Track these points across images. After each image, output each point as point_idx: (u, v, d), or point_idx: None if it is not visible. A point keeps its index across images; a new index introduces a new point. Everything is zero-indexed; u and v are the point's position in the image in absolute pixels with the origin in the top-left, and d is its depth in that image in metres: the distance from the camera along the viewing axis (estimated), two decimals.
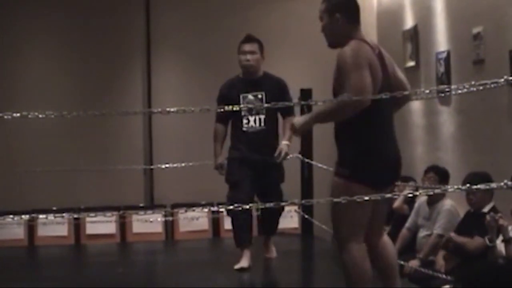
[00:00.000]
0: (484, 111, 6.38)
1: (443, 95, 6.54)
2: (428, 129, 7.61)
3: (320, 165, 7.56)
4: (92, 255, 8.24)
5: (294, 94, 7.05)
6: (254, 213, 7.02)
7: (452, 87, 5.02)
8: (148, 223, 8.56)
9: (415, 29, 7.78)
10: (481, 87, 3.91)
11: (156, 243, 8.57)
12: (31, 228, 8.65)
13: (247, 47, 6.14)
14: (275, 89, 6.15)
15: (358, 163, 4.07)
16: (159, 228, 8.85)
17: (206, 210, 8.33)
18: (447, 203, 6.42)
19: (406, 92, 4.22)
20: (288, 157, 6.16)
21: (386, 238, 4.39)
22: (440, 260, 5.98)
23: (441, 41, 7.19)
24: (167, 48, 9.37)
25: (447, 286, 5.41)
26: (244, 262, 6.09)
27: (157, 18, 9.33)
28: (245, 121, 6.10)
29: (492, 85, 3.78)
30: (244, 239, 6.15)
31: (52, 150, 9.02)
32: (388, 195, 4.05)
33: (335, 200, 3.99)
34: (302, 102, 5.03)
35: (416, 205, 6.76)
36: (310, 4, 9.60)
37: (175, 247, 8.64)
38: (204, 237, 8.75)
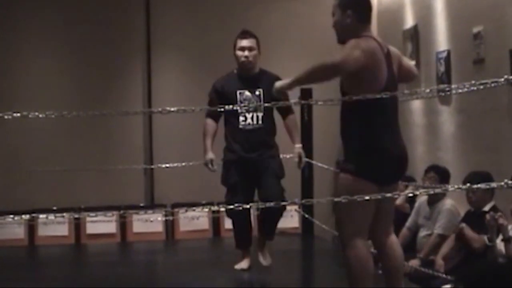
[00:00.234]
0: (484, 111, 6.37)
1: (443, 94, 6.55)
2: (429, 129, 7.61)
3: (320, 164, 7.57)
4: (92, 255, 8.24)
5: (295, 94, 7.04)
6: (255, 213, 6.98)
7: (452, 86, 5.04)
8: (148, 223, 8.56)
9: (415, 28, 7.78)
10: (481, 87, 3.92)
11: (156, 243, 8.57)
12: (31, 227, 8.65)
13: (246, 42, 5.97)
14: (273, 86, 6.00)
15: (362, 159, 4.14)
16: (159, 228, 8.85)
17: (206, 209, 8.32)
18: (447, 202, 6.42)
19: (406, 91, 4.24)
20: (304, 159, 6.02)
21: (394, 239, 4.41)
22: (439, 260, 5.97)
23: (441, 41, 7.19)
24: (167, 48, 9.37)
25: (447, 286, 5.41)
26: (244, 264, 6.11)
27: (157, 18, 9.33)
28: (241, 118, 5.90)
29: (492, 85, 3.79)
30: (244, 242, 6.14)
31: (53, 150, 9.01)
32: (389, 195, 4.05)
33: (341, 197, 4.03)
34: (302, 102, 5.00)
35: (416, 204, 6.76)
36: (310, 4, 9.67)
37: (175, 246, 8.65)
38: (204, 236, 8.76)
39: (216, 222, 8.83)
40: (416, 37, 7.76)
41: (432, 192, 6.07)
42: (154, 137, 9.31)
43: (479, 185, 4.10)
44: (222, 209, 5.27)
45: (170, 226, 8.93)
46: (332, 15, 4.36)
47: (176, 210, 8.73)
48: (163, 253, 8.37)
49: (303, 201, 7.23)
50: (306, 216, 8.16)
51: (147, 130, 9.32)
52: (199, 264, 6.93)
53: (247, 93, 5.96)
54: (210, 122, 5.99)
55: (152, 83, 9.33)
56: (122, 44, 9.27)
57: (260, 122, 5.92)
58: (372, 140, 4.14)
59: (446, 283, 5.44)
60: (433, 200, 6.49)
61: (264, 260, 6.12)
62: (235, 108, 4.96)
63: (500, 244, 5.36)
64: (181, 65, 9.44)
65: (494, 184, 4.53)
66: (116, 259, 7.86)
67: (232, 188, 5.93)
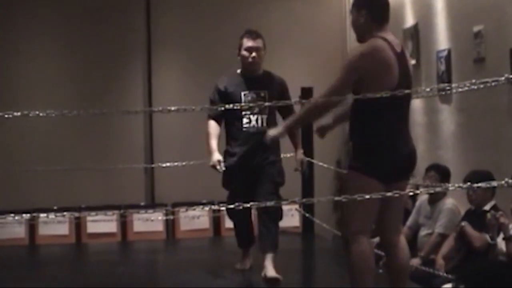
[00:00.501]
0: (484, 109, 6.37)
1: (443, 93, 6.54)
2: (429, 128, 7.60)
3: (320, 163, 7.57)
4: (93, 254, 8.24)
5: (295, 93, 7.04)
6: (255, 212, 6.93)
7: (453, 85, 5.04)
8: (149, 222, 8.56)
9: (415, 27, 7.77)
10: (481, 86, 3.93)
11: (157, 242, 8.57)
12: (32, 227, 8.65)
13: (253, 43, 5.74)
14: (277, 88, 5.81)
15: (370, 157, 4.19)
16: (160, 227, 8.85)
17: (207, 209, 8.33)
18: (448, 201, 6.42)
19: (408, 91, 4.24)
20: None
21: (403, 239, 4.44)
22: (439, 260, 5.97)
23: (442, 40, 7.19)
24: (167, 47, 9.38)
25: (449, 285, 5.41)
26: (245, 264, 6.05)
27: (157, 18, 9.34)
28: (245, 120, 5.67)
29: (493, 83, 3.79)
30: (245, 241, 6.08)
31: (53, 149, 9.02)
32: (389, 194, 4.06)
33: (342, 196, 4.10)
34: (303, 101, 4.98)
35: (417, 203, 6.75)
36: (311, 3, 9.67)
37: (176, 246, 8.65)
38: (205, 236, 8.75)
39: (216, 221, 8.83)
40: (416, 36, 7.75)
41: (432, 191, 6.07)
42: (154, 136, 9.31)
43: (479, 184, 4.11)
44: (223, 208, 5.20)
45: (170, 225, 8.93)
46: (350, 14, 4.45)
47: (176, 209, 8.73)
48: (164, 253, 8.37)
49: (303, 200, 7.23)
50: (307, 215, 8.16)
51: (148, 129, 9.33)
52: (200, 264, 6.92)
53: (252, 94, 5.73)
54: (213, 123, 5.73)
55: (153, 83, 9.34)
56: (123, 43, 9.27)
57: (264, 124, 5.66)
58: (381, 139, 4.19)
59: (447, 282, 5.44)
60: (434, 199, 6.49)
61: (269, 272, 5.55)
62: (236, 108, 4.85)
63: (501, 243, 5.36)
64: (182, 65, 9.45)
65: (494, 183, 4.54)
66: (116, 259, 7.86)
67: (233, 192, 5.78)
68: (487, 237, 5.51)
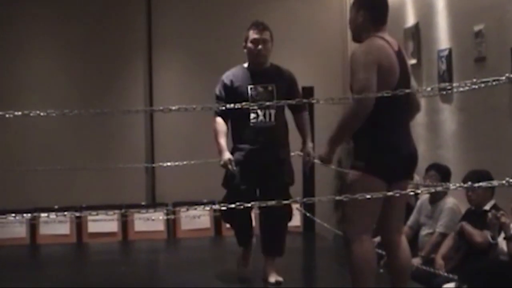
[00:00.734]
0: (485, 109, 6.37)
1: (444, 93, 6.54)
2: (430, 127, 7.60)
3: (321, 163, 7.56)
4: (94, 254, 8.24)
5: None
6: (256, 211, 6.92)
7: (454, 85, 5.04)
8: (150, 222, 8.56)
9: (416, 26, 7.77)
10: (482, 85, 3.92)
11: (157, 242, 8.58)
12: (33, 226, 8.66)
13: (260, 35, 5.46)
14: (286, 82, 5.54)
15: (372, 156, 4.19)
16: (161, 227, 8.85)
17: (208, 208, 8.33)
18: (449, 201, 6.42)
19: (408, 91, 4.24)
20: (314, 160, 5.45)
21: (404, 239, 4.44)
22: (439, 259, 5.97)
23: (443, 39, 7.19)
24: (168, 47, 9.38)
25: (449, 285, 5.40)
26: (246, 263, 5.91)
27: (158, 17, 9.34)
28: (253, 115, 5.40)
29: (494, 83, 3.79)
30: (245, 240, 5.82)
31: (54, 149, 9.02)
32: (391, 193, 4.06)
33: (343, 195, 4.09)
34: (304, 100, 4.95)
35: (418, 203, 6.75)
36: (311, 3, 9.67)
37: (176, 245, 8.65)
38: (206, 235, 8.75)
39: (217, 221, 8.82)
40: (417, 35, 7.75)
41: (433, 190, 6.07)
42: (155, 135, 9.31)
43: (480, 184, 4.10)
44: (224, 208, 5.17)
45: (171, 225, 8.94)
46: (349, 13, 4.44)
47: (177, 209, 8.74)
48: (165, 252, 8.37)
49: (304, 199, 7.22)
50: (308, 214, 8.16)
51: (149, 128, 9.33)
52: (201, 263, 6.93)
53: (259, 88, 5.47)
54: (220, 120, 5.47)
55: (154, 82, 9.34)
56: (123, 43, 9.27)
57: (273, 119, 5.43)
58: (383, 138, 4.20)
59: (448, 282, 5.44)
60: (435, 198, 6.48)
61: (272, 277, 5.55)
62: (244, 103, 4.57)
63: (502, 243, 5.35)
64: (182, 64, 9.45)
65: (495, 183, 4.53)
66: (117, 258, 7.87)
67: (233, 191, 5.47)
68: (488, 233, 5.50)
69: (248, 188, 5.44)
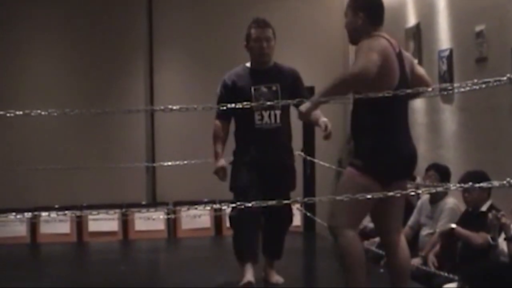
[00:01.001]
0: (486, 109, 6.37)
1: (445, 93, 6.53)
2: (430, 127, 7.60)
3: (322, 163, 7.57)
4: (94, 253, 8.25)
5: None
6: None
7: (455, 85, 5.04)
8: (150, 221, 8.56)
9: (417, 27, 7.77)
10: (483, 85, 3.92)
11: (158, 241, 8.58)
12: (33, 225, 8.67)
13: (263, 33, 5.24)
14: (290, 80, 5.32)
15: (371, 156, 4.19)
16: (161, 226, 8.86)
17: (208, 208, 8.33)
18: (449, 201, 6.41)
19: (408, 91, 4.23)
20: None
21: (403, 239, 4.44)
22: (431, 256, 5.97)
23: (444, 39, 7.18)
24: (169, 47, 9.38)
25: (450, 285, 5.40)
26: (249, 276, 5.22)
27: (159, 17, 9.34)
28: (257, 116, 5.18)
29: (495, 83, 3.79)
30: (250, 255, 5.24)
31: (55, 148, 9.03)
32: (391, 193, 4.06)
33: (343, 194, 4.05)
34: (304, 100, 4.92)
35: (418, 203, 6.75)
36: (311, 3, 9.67)
37: (177, 245, 8.65)
38: (206, 235, 8.76)
39: (218, 220, 8.83)
40: (418, 36, 7.75)
41: (433, 190, 6.07)
42: (156, 135, 9.32)
43: (481, 184, 4.09)
44: (224, 207, 5.08)
45: (172, 224, 8.94)
46: (344, 16, 4.41)
47: (178, 208, 8.74)
48: (165, 252, 8.38)
49: (305, 199, 7.22)
50: (308, 214, 8.16)
51: (149, 128, 9.34)
52: (201, 263, 6.93)
53: (263, 88, 5.25)
54: (221, 124, 5.28)
55: (154, 81, 9.34)
56: (124, 42, 9.28)
57: (278, 121, 5.23)
58: (382, 138, 4.20)
59: (448, 282, 5.43)
60: (435, 198, 6.48)
61: (273, 278, 5.48)
62: (246, 104, 4.41)
63: (502, 243, 5.34)
64: (183, 63, 9.45)
65: (496, 183, 4.52)
66: (117, 257, 7.87)
67: (241, 194, 5.12)
68: (486, 234, 5.48)
69: (253, 188, 5.17)
